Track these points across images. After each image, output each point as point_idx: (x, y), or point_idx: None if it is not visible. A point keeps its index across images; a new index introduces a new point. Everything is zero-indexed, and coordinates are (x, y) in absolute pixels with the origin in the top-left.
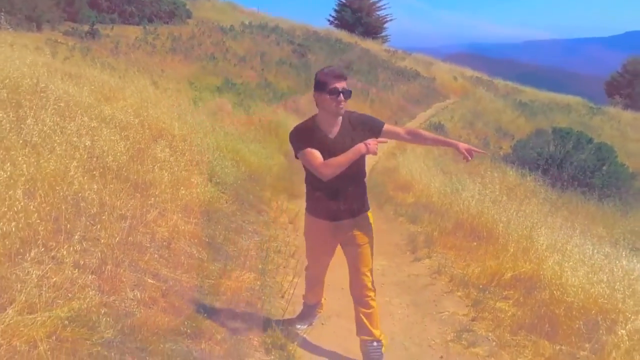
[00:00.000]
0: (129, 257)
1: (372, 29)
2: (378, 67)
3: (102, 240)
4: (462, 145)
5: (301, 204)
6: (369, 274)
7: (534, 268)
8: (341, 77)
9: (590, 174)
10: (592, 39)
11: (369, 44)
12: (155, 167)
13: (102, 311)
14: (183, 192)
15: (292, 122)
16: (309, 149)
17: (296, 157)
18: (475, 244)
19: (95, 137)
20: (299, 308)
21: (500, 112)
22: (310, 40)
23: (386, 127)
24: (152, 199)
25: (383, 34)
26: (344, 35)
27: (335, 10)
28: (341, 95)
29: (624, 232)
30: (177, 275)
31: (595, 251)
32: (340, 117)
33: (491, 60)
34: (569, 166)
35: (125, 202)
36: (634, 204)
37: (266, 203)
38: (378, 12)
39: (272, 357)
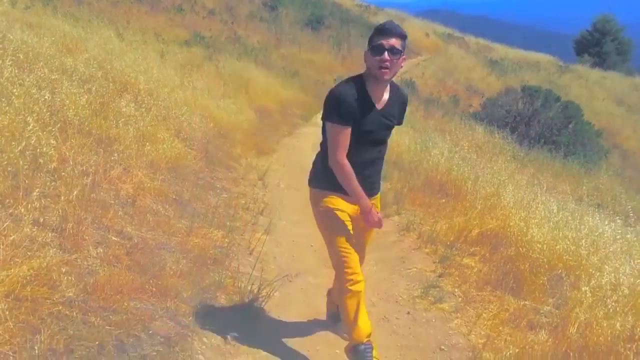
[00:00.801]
0: (91, 214)
1: None
2: (350, 22)
3: (63, 197)
4: (372, 214)
5: (271, 160)
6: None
7: (500, 225)
8: (390, 33)
9: (557, 132)
10: None
11: None
12: (120, 122)
13: (64, 270)
14: (148, 148)
15: (264, 77)
16: (344, 129)
17: (323, 120)
18: (443, 200)
19: (56, 90)
20: (266, 265)
21: (470, 70)
22: None
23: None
24: (116, 154)
25: None
26: None
27: None
28: (386, 53)
29: (588, 189)
30: (143, 232)
31: (561, 208)
32: (389, 85)
33: (464, 17)
34: (537, 124)
35: (87, 158)
36: (598, 161)
37: (235, 160)
38: None
39: (239, 314)
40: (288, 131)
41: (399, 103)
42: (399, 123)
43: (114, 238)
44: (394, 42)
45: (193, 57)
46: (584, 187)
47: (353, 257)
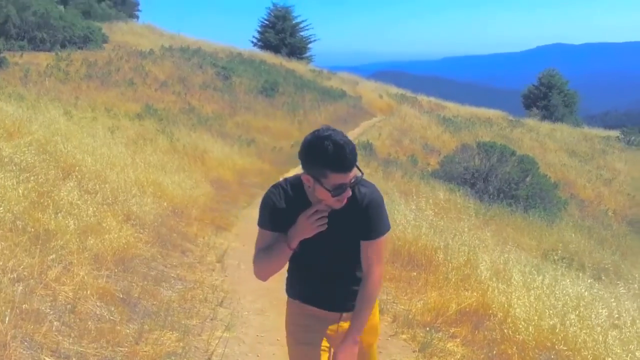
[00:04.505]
0: (22, 330)
1: (296, 49)
2: (304, 87)
3: None
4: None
5: (230, 237)
6: None
7: (478, 299)
8: (351, 165)
9: (515, 186)
10: (506, 54)
11: (293, 65)
12: (60, 213)
13: None
14: (92, 241)
15: (220, 147)
16: (267, 233)
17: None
18: (415, 273)
19: None
20: None
21: (425, 129)
22: (234, 62)
23: (378, 241)
24: (54, 252)
25: (307, 54)
26: (268, 56)
27: (259, 32)
28: (349, 190)
29: (552, 243)
30: (83, 346)
31: (536, 271)
32: None
33: (414, 77)
34: (495, 179)
35: (20, 261)
36: (557, 213)
37: (191, 240)
38: (301, 33)
39: None
40: (247, 202)
41: (357, 206)
42: (363, 235)
43: (47, 359)
44: (354, 172)
45: (145, 131)
46: (548, 242)
47: None
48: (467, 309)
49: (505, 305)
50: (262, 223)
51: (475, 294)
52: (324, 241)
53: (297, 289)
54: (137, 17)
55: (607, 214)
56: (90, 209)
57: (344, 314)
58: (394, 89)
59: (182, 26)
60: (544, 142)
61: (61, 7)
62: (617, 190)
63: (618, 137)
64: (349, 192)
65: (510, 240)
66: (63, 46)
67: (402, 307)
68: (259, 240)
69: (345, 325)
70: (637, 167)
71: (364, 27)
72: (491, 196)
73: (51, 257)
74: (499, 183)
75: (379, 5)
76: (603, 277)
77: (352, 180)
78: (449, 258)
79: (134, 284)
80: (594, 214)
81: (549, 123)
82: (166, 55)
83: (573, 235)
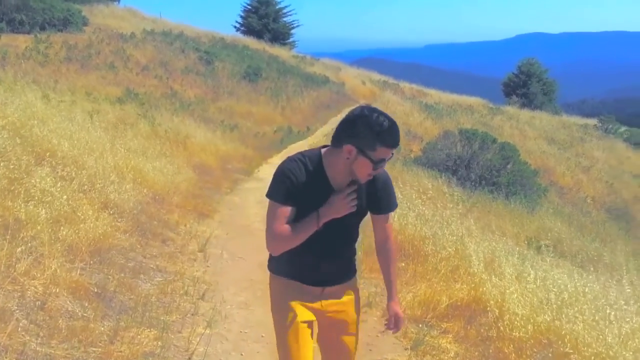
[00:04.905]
0: None
1: (279, 35)
2: (287, 73)
3: None
4: (397, 314)
5: (213, 225)
6: None
7: (470, 293)
8: (397, 142)
9: (496, 173)
10: (485, 43)
11: (277, 50)
12: (31, 202)
13: None
14: (65, 231)
15: (202, 132)
16: (279, 207)
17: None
18: (403, 264)
19: None
20: None
21: (408, 115)
22: (217, 47)
23: (389, 215)
24: (24, 244)
25: (291, 39)
26: (251, 41)
27: (242, 17)
28: (384, 163)
29: (537, 229)
30: (52, 347)
31: (527, 263)
32: None
33: (396, 64)
34: (476, 166)
35: None
36: (537, 200)
37: (172, 228)
38: (285, 19)
39: None
40: (229, 188)
41: (369, 186)
42: (379, 209)
43: None
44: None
45: (126, 115)
46: (530, 229)
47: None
48: (459, 303)
49: (499, 300)
50: (277, 197)
51: (465, 286)
52: (336, 220)
53: (285, 266)
54: (118, 0)
55: (585, 201)
56: (64, 196)
57: (327, 289)
58: (376, 76)
59: (164, 10)
60: (524, 129)
61: None
62: (596, 177)
63: (596, 125)
64: (382, 167)
65: (494, 228)
66: (42, 28)
67: None
68: (273, 215)
69: (328, 301)
70: (615, 155)
71: (344, 13)
72: (473, 183)
73: (20, 248)
74: (480, 170)
75: None
76: (591, 268)
77: (390, 157)
78: (437, 248)
79: (110, 277)
80: (573, 200)
81: (528, 111)
82: (148, 39)
83: (554, 222)
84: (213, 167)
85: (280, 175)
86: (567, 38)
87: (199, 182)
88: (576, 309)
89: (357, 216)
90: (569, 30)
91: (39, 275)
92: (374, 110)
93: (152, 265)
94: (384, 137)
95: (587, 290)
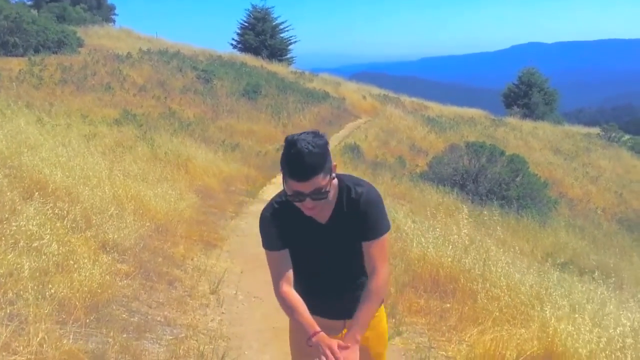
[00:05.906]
0: None
1: (277, 51)
2: (287, 89)
3: None
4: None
5: (222, 257)
6: None
7: (542, 344)
8: (305, 175)
9: (505, 187)
10: (481, 54)
11: (275, 67)
12: (14, 250)
13: None
14: (56, 286)
15: (203, 153)
16: (273, 254)
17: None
18: (448, 305)
19: None
20: None
21: (411, 129)
22: (214, 65)
23: (380, 240)
24: (1, 310)
25: (288, 55)
26: (248, 58)
27: (238, 34)
28: (308, 201)
29: (551, 245)
30: None
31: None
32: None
33: (394, 77)
34: (485, 180)
35: None
36: (548, 213)
37: (179, 264)
38: (282, 34)
39: None
40: (235, 211)
41: (352, 211)
42: (364, 236)
43: None
44: (317, 181)
45: (124, 137)
46: (544, 244)
47: None
48: (530, 355)
49: (585, 354)
50: (266, 245)
51: (535, 334)
52: (327, 249)
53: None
54: (114, 21)
55: (596, 212)
56: (55, 242)
57: (348, 321)
58: (376, 90)
59: (160, 29)
60: (528, 140)
61: (34, 11)
62: (604, 187)
63: (599, 134)
64: (309, 205)
65: (513, 245)
66: (37, 51)
67: (443, 352)
68: (272, 265)
69: None
70: (621, 163)
71: (338, 28)
72: (482, 198)
73: None
74: (489, 184)
75: (351, 4)
76: (624, 286)
77: (311, 192)
78: (488, 285)
79: (110, 340)
80: (583, 212)
81: (530, 121)
82: (144, 59)
83: (568, 236)
84: (216, 190)
85: (262, 224)
86: (561, 47)
87: (202, 206)
88: None
89: (345, 247)
90: (563, 40)
91: (21, 347)
92: (295, 136)
93: (159, 318)
94: (288, 168)
95: None
